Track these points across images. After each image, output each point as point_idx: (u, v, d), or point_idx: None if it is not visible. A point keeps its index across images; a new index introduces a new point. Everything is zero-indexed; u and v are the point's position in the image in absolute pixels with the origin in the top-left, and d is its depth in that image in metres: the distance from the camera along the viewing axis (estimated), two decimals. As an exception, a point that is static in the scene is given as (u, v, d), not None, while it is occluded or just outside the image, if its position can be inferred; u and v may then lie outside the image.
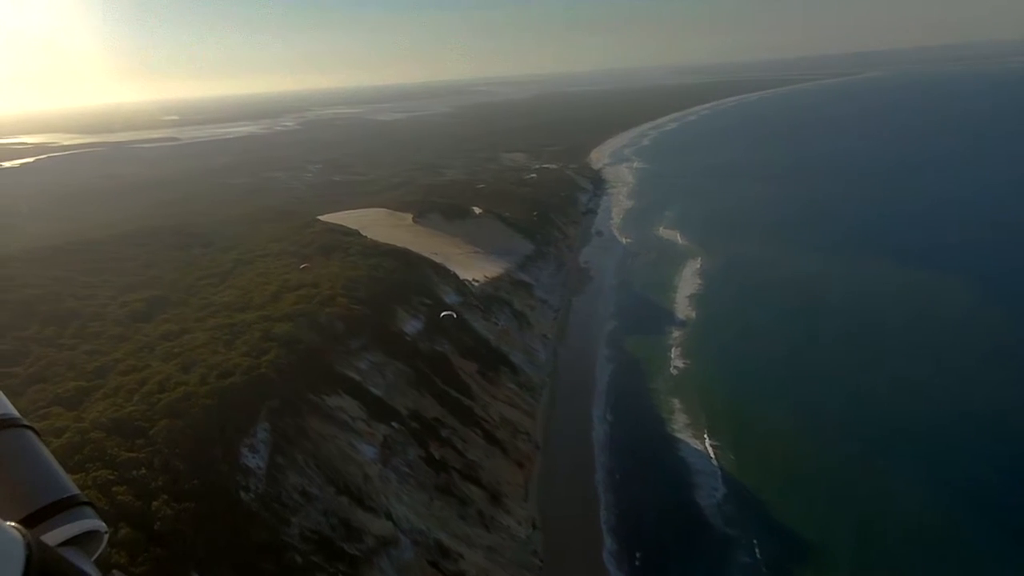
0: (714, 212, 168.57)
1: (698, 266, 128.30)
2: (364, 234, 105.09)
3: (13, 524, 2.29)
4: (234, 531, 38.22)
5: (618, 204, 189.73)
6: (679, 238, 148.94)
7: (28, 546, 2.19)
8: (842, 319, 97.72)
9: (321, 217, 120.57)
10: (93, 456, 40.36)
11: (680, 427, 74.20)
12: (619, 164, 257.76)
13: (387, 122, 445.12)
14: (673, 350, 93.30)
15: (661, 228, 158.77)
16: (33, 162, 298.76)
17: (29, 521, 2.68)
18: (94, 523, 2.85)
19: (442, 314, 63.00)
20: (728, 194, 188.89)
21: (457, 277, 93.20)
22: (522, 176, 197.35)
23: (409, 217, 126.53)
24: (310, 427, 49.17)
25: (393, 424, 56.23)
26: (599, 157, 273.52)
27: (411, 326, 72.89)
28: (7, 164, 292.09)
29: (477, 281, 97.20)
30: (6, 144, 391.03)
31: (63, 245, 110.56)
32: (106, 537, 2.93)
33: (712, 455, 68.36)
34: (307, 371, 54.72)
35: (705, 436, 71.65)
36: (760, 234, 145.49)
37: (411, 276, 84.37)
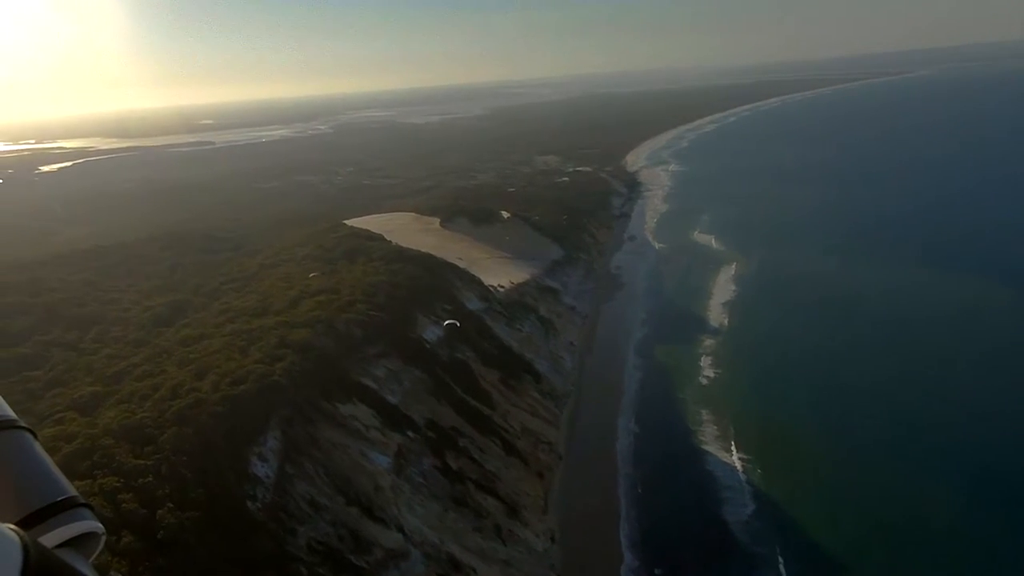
0: (752, 216, 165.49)
1: (733, 272, 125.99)
2: (389, 239, 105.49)
3: (10, 526, 2.31)
4: (238, 541, 38.27)
5: (653, 208, 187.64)
6: (715, 243, 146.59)
7: (25, 548, 2.22)
8: (884, 329, 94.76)
9: (348, 221, 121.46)
10: (102, 463, 40.87)
11: (708, 439, 72.68)
12: (655, 167, 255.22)
13: (420, 125, 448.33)
14: (704, 359, 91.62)
15: (696, 233, 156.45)
16: (71, 166, 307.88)
17: (26, 523, 2.72)
18: (91, 524, 2.88)
19: (445, 323, 62.66)
20: (768, 198, 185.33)
21: (481, 283, 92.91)
22: (554, 179, 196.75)
23: (436, 221, 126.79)
24: (321, 436, 49.18)
25: (408, 433, 56.01)
26: (635, 160, 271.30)
27: (431, 333, 72.74)
28: (47, 168, 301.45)
29: (502, 287, 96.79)
30: (47, 149, 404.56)
31: (93, 249, 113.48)
32: (103, 539, 2.95)
33: (740, 469, 66.77)
34: (321, 378, 54.84)
35: (734, 449, 70.05)
36: (801, 239, 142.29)
37: (433, 282, 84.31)
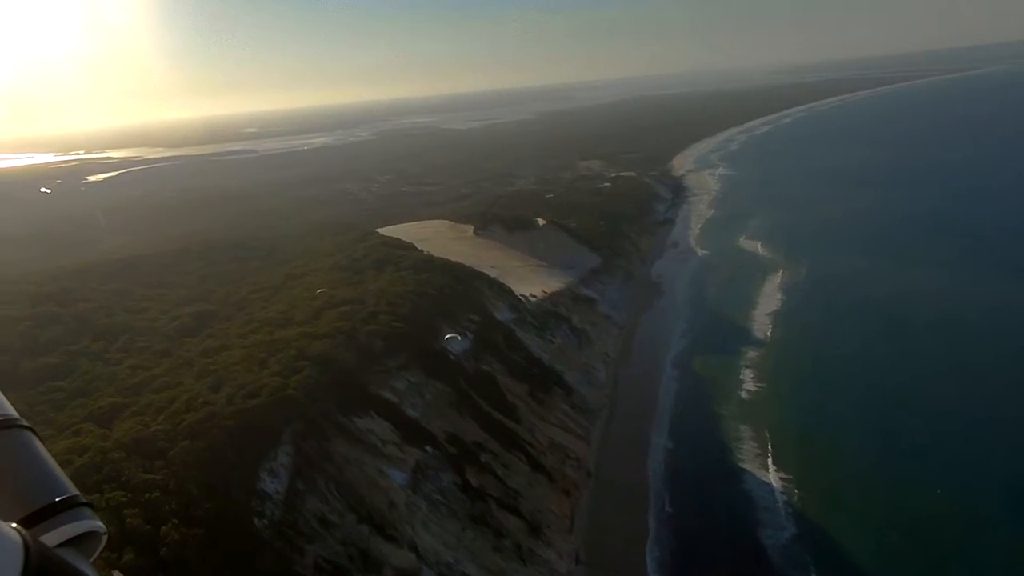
0: (803, 222, 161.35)
1: (781, 280, 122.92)
2: (420, 247, 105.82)
3: (11, 525, 2.37)
4: (242, 559, 38.29)
5: (698, 213, 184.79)
6: (762, 249, 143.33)
7: (26, 546, 2.27)
8: (943, 343, 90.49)
9: (380, 229, 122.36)
10: (110, 477, 41.43)
11: (747, 457, 70.63)
12: (703, 171, 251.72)
13: (462, 131, 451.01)
14: (745, 371, 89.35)
15: (743, 239, 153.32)
16: (116, 176, 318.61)
17: (28, 522, 2.76)
18: (93, 524, 2.92)
19: (446, 336, 62.12)
20: (822, 202, 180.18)
21: (512, 292, 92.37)
22: (595, 185, 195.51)
23: (470, 229, 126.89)
24: (335, 451, 49.13)
25: (427, 448, 55.65)
26: (682, 163, 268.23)
27: (457, 345, 72.38)
28: (92, 178, 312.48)
29: (534, 296, 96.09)
30: (94, 159, 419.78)
31: (128, 258, 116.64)
32: (105, 538, 2.99)
33: (780, 489, 64.63)
34: (338, 391, 54.91)
35: (774, 468, 67.89)
36: (856, 246, 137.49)
37: (461, 292, 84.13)
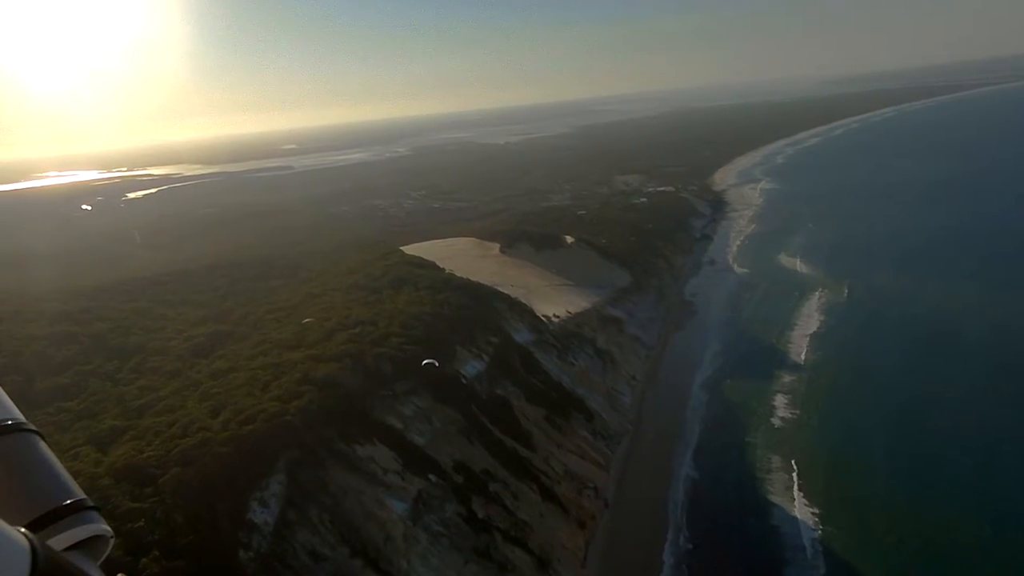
0: (849, 238, 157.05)
1: (823, 300, 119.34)
2: (443, 266, 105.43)
3: (19, 529, 2.44)
4: (223, 594, 37.71)
5: (738, 229, 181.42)
6: (804, 268, 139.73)
7: (34, 550, 2.35)
8: (992, 372, 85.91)
9: (405, 247, 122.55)
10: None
11: (776, 489, 67.98)
12: (745, 185, 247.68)
13: (500, 146, 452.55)
14: (779, 398, 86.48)
15: (785, 256, 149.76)
16: (155, 192, 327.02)
17: (35, 525, 2.83)
18: (100, 527, 2.99)
19: (424, 362, 60.94)
20: (870, 217, 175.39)
21: (533, 313, 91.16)
22: (631, 200, 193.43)
23: (496, 247, 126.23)
24: (332, 480, 48.44)
25: (431, 477, 54.65)
26: (724, 178, 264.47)
27: (471, 368, 71.49)
28: (133, 195, 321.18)
29: (558, 317, 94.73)
30: (135, 176, 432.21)
31: (154, 275, 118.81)
32: (112, 542, 3.09)
33: (810, 525, 61.89)
34: (340, 417, 54.33)
35: (804, 502, 65.17)
36: (904, 264, 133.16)
37: (480, 312, 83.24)
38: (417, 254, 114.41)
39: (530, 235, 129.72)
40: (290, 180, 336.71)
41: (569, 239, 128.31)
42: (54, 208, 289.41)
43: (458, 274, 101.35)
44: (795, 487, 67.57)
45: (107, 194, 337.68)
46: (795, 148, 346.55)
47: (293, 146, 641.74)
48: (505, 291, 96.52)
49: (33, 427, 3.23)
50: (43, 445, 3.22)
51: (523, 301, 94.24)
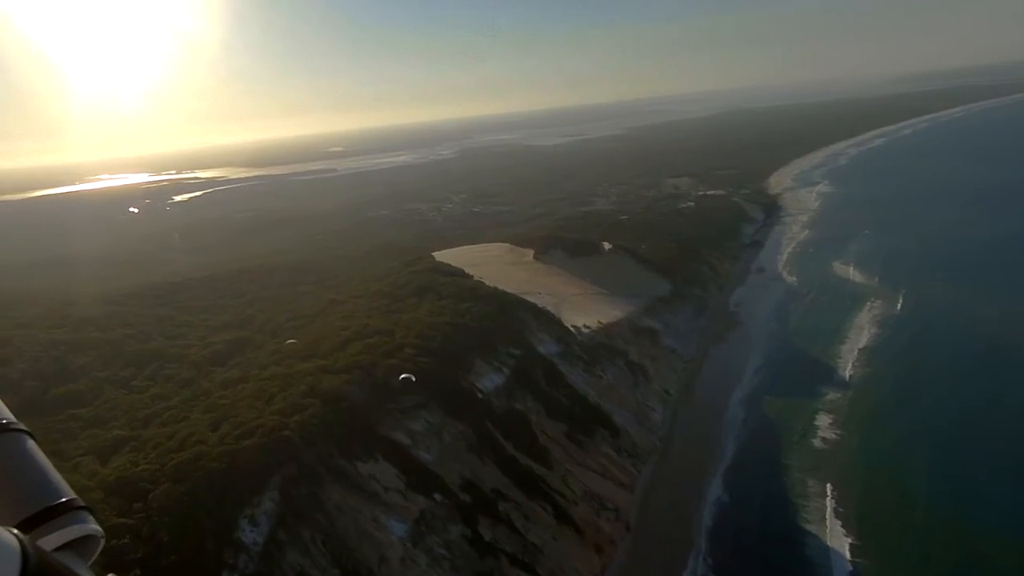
0: (912, 246, 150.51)
1: (876, 312, 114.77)
2: (472, 273, 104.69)
3: (9, 528, 2.48)
4: (201, 617, 37.26)
5: (791, 235, 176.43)
6: (859, 276, 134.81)
7: (24, 550, 2.39)
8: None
9: (436, 253, 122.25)
10: (84, 518, 41.40)
11: (811, 516, 65.04)
12: (802, 188, 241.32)
13: (547, 148, 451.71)
14: (822, 417, 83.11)
15: (839, 264, 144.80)
16: (200, 196, 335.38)
17: (26, 525, 2.91)
18: (90, 528, 3.07)
19: (401, 376, 59.66)
20: (933, 224, 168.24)
21: (560, 323, 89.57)
22: (677, 205, 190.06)
23: (530, 253, 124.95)
24: (328, 498, 47.80)
25: (435, 496, 53.62)
26: (779, 181, 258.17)
27: (489, 381, 70.35)
28: (178, 198, 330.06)
29: (588, 327, 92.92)
30: (181, 179, 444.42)
31: (185, 280, 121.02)
32: (102, 542, 3.16)
33: (844, 557, 58.94)
34: (342, 432, 53.77)
35: (842, 532, 62.16)
36: (967, 274, 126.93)
37: (503, 323, 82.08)
38: (447, 260, 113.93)
39: (565, 241, 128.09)
40: (332, 183, 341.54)
41: (606, 245, 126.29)
42: (103, 211, 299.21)
43: (487, 282, 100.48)
44: (831, 515, 64.55)
45: (155, 197, 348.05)
46: (858, 149, 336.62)
47: (340, 149, 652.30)
48: (534, 300, 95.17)
49: (23, 427, 3.25)
50: (33, 445, 3.23)
51: (551, 311, 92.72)
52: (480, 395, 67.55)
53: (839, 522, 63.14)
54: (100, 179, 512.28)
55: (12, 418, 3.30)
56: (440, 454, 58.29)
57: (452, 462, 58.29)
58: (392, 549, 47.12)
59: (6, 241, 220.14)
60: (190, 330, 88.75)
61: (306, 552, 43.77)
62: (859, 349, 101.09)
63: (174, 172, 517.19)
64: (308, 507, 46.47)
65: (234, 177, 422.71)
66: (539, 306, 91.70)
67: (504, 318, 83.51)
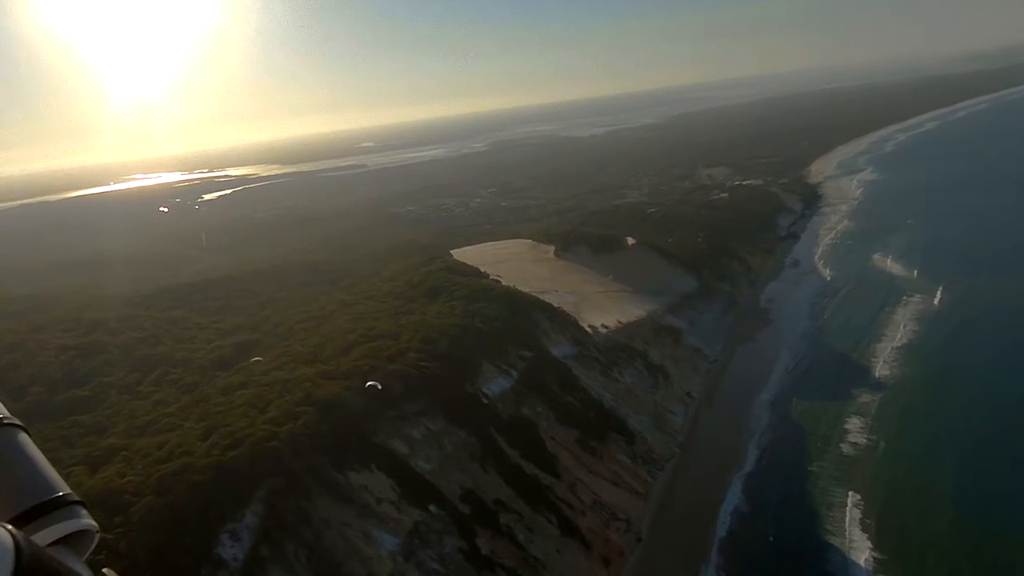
0: (959, 239, 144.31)
1: (919, 309, 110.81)
2: (490, 271, 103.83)
3: (3, 523, 2.51)
4: (173, 637, 36.94)
5: (830, 227, 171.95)
6: (899, 271, 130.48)
7: (18, 545, 2.41)
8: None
9: (454, 251, 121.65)
10: (63, 532, 41.43)
11: (835, 528, 62.81)
12: (845, 176, 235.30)
13: (581, 139, 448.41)
14: (853, 421, 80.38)
15: (879, 258, 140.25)
16: (230, 194, 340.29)
17: (19, 520, 2.93)
18: (85, 522, 3.09)
19: (367, 384, 58.49)
20: (983, 214, 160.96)
21: (576, 324, 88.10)
22: (710, 196, 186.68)
23: (551, 250, 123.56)
24: (317, 511, 47.26)
25: (431, 508, 52.79)
26: (821, 169, 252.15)
27: (496, 386, 69.31)
28: (208, 196, 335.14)
29: (606, 327, 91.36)
30: (214, 177, 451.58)
31: (202, 281, 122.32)
32: (97, 536, 3.17)
33: (870, 573, 56.69)
34: (336, 441, 53.21)
35: (868, 546, 59.83)
36: (1016, 268, 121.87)
37: (515, 324, 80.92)
38: (465, 259, 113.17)
39: (588, 237, 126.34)
40: (360, 180, 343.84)
41: (630, 241, 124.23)
42: (134, 210, 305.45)
43: (504, 281, 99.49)
44: (856, 526, 62.25)
45: (185, 195, 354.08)
46: (908, 134, 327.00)
47: (371, 144, 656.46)
48: (551, 299, 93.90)
49: (18, 421, 3.25)
50: (27, 439, 3.24)
51: (569, 311, 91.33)
52: (485, 400, 66.58)
53: (864, 534, 60.84)
54: (134, 178, 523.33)
55: (6, 412, 3.27)
56: (440, 463, 57.46)
57: (452, 471, 57.42)
58: (381, 564, 46.44)
59: (41, 242, 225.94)
60: (200, 333, 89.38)
61: (289, 568, 43.28)
62: (896, 347, 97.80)
63: (206, 170, 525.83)
64: (294, 521, 45.98)
65: (264, 175, 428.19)
66: (555, 306, 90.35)
67: (516, 319, 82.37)
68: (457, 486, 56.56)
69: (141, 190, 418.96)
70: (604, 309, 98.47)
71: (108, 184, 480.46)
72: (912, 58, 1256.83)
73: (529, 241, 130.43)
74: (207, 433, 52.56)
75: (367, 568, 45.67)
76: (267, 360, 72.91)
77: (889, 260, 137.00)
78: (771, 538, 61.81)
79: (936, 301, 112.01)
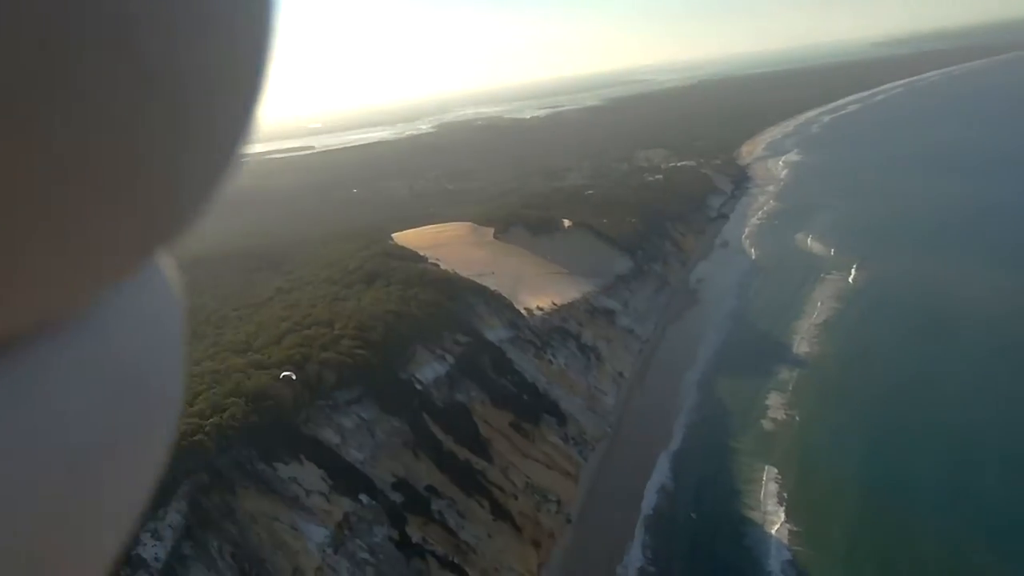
0: (878, 216, 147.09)
1: (840, 286, 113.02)
2: (430, 255, 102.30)
3: None
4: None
5: (758, 207, 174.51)
6: (822, 249, 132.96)
7: None
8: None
9: (396, 234, 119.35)
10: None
11: (754, 504, 63.69)
12: (773, 158, 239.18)
13: (525, 121, 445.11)
14: (774, 396, 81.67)
15: (804, 236, 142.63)
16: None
17: None
18: None
19: (281, 375, 57.35)
20: (904, 193, 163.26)
21: (512, 307, 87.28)
22: (646, 178, 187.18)
23: (491, 232, 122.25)
24: (242, 506, 45.67)
25: (362, 498, 51.63)
26: (751, 150, 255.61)
27: (430, 371, 68.11)
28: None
29: (541, 309, 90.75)
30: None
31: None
32: None
33: (784, 545, 57.66)
34: (265, 434, 51.45)
35: (784, 520, 60.83)
36: (937, 245, 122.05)
37: (451, 309, 79.63)
38: (407, 242, 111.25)
39: (527, 219, 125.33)
40: (305, 162, 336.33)
41: (567, 222, 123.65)
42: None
43: (443, 265, 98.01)
44: (776, 500, 63.24)
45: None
46: (832, 116, 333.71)
47: (318, 125, 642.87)
48: (489, 282, 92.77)
49: None
50: None
51: (505, 294, 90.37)
52: (419, 387, 65.37)
53: (779, 507, 61.84)
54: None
55: None
56: (372, 452, 56.23)
57: (385, 460, 56.26)
58: (309, 558, 45.16)
59: None
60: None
61: (212, 566, 41.71)
62: (816, 324, 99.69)
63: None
64: (218, 517, 44.33)
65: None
66: (492, 289, 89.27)
67: (453, 304, 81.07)
68: (389, 475, 55.46)
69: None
70: (540, 291, 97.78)
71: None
72: (835, 42, 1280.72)
73: (470, 223, 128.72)
74: (131, 429, 50.23)
75: (293, 562, 44.37)
76: (198, 350, 70.29)
77: (813, 239, 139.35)
78: (693, 514, 62.40)
79: (856, 278, 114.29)
